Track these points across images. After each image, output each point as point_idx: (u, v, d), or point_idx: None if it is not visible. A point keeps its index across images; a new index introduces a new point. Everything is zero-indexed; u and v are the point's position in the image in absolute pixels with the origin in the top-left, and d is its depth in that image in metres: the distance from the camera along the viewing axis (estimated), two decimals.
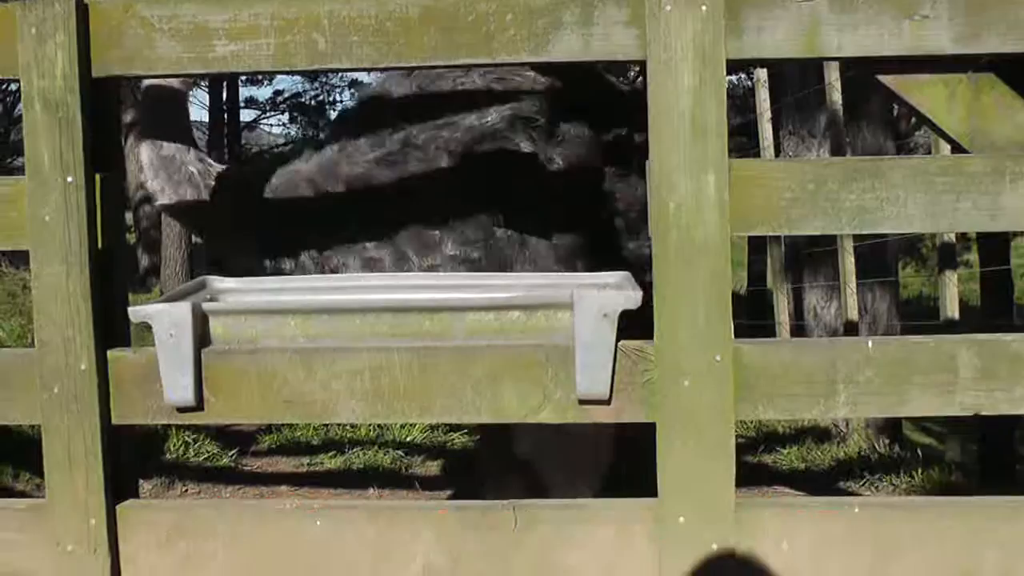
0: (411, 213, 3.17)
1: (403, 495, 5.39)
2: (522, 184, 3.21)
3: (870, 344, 2.18)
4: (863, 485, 5.52)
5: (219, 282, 2.54)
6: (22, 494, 5.07)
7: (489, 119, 3.22)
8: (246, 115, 27.83)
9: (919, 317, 8.40)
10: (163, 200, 3.19)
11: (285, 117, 29.40)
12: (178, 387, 2.21)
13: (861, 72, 2.35)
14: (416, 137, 3.21)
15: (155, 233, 18.06)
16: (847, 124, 7.13)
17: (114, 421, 2.28)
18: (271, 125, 30.06)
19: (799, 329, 7.86)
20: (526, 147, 3.22)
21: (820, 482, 5.62)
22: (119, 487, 2.32)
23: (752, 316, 11.69)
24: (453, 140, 3.20)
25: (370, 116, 3.39)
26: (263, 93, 29.65)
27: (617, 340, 2.14)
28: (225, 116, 24.40)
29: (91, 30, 2.22)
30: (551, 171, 3.26)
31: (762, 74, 7.69)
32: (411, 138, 3.22)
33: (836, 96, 6.79)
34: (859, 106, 7.26)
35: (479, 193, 3.18)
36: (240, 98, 26.15)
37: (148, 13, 2.22)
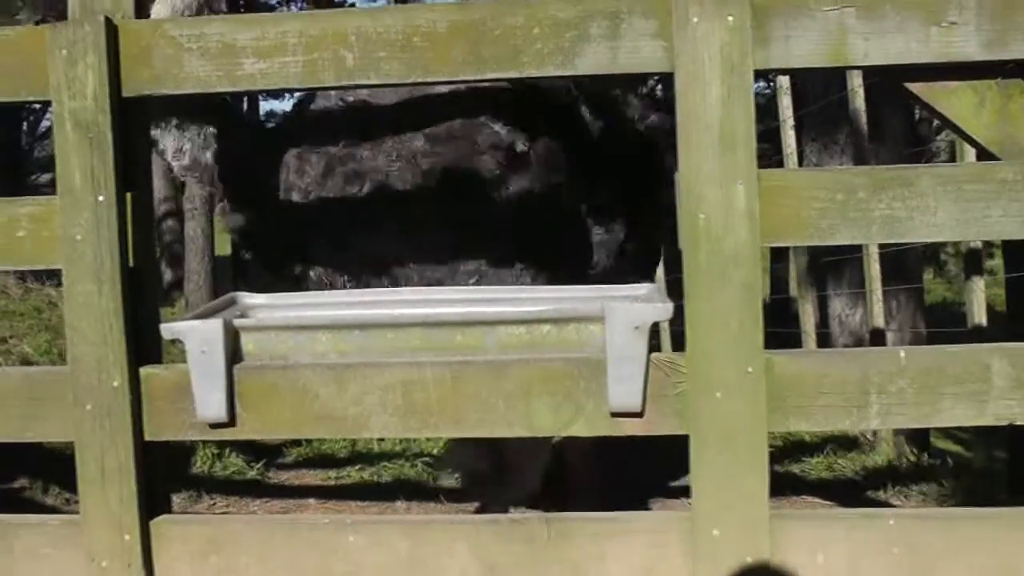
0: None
1: (430, 507, 5.38)
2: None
3: (902, 354, 2.17)
4: (892, 494, 5.48)
5: (249, 298, 2.55)
6: (52, 508, 5.09)
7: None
8: None
9: (944, 324, 8.34)
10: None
11: None
12: (210, 403, 2.22)
13: (888, 80, 2.33)
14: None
15: (178, 247, 18.14)
16: (868, 130, 7.10)
17: (147, 437, 2.29)
18: None
19: (824, 337, 7.82)
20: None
21: (849, 491, 5.59)
22: (152, 502, 2.33)
23: (775, 324, 11.64)
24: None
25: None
26: (283, 106, 29.76)
27: (648, 352, 2.14)
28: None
29: (120, 50, 2.24)
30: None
31: (784, 81, 7.66)
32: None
33: (859, 102, 6.76)
34: (880, 112, 7.23)
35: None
36: (261, 112, 26.27)
37: (176, 33, 2.23)
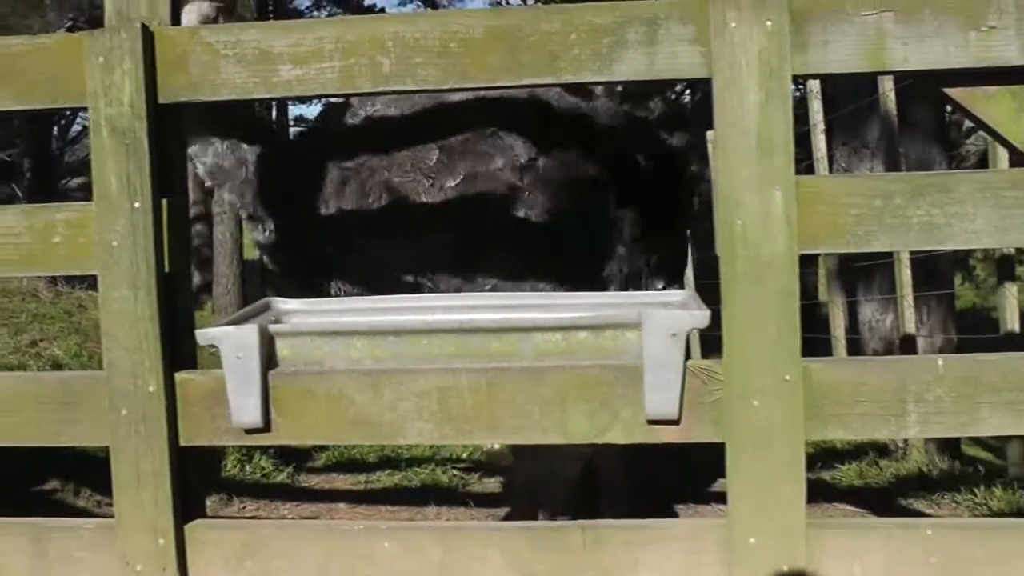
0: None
1: (461, 512, 5.38)
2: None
3: (940, 362, 2.15)
4: (925, 503, 5.45)
5: (283, 303, 2.56)
6: (84, 511, 5.12)
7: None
8: (296, 133, 28.09)
9: (974, 329, 8.27)
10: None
11: None
12: (246, 408, 2.22)
13: (927, 85, 2.32)
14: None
15: (207, 251, 18.23)
16: (899, 133, 7.06)
17: (182, 442, 2.30)
18: None
19: (853, 343, 7.78)
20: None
21: (881, 499, 5.55)
22: (187, 507, 2.34)
23: (804, 329, 11.58)
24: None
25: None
26: (312, 111, 29.90)
27: (685, 359, 2.13)
28: None
29: (157, 57, 2.25)
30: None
31: (815, 85, 7.62)
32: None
33: (890, 106, 6.72)
34: (911, 116, 7.19)
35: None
36: (290, 116, 26.42)
37: (213, 39, 2.24)
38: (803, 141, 8.32)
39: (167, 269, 2.29)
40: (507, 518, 4.48)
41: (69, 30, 2.34)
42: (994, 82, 2.18)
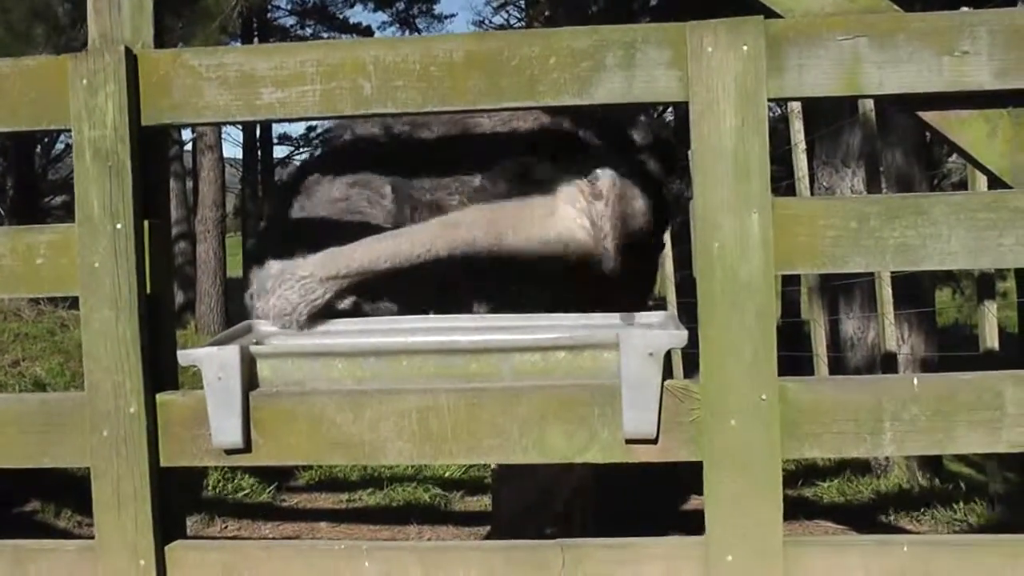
0: None
1: (443, 531, 5.38)
2: None
3: (916, 381, 2.18)
4: (905, 519, 5.48)
5: (265, 326, 2.57)
6: (64, 532, 5.10)
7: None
8: (280, 151, 28.13)
9: (956, 345, 8.32)
10: None
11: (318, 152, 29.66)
12: (226, 429, 2.23)
13: (902, 109, 2.35)
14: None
15: (190, 269, 18.22)
16: (881, 152, 7.11)
17: (163, 463, 2.30)
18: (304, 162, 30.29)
19: (836, 361, 7.81)
20: None
21: (862, 516, 5.58)
22: (168, 528, 2.34)
23: (788, 347, 11.62)
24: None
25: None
26: (296, 129, 29.94)
27: (663, 379, 2.15)
28: (259, 153, 24.62)
29: (140, 80, 2.27)
30: None
31: (796, 105, 7.68)
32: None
33: (871, 126, 6.77)
34: (892, 134, 7.24)
35: None
36: (273, 135, 26.40)
37: (196, 62, 2.26)
38: (785, 159, 8.38)
39: (149, 291, 2.30)
40: (491, 535, 4.48)
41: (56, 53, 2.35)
42: (968, 106, 2.21)
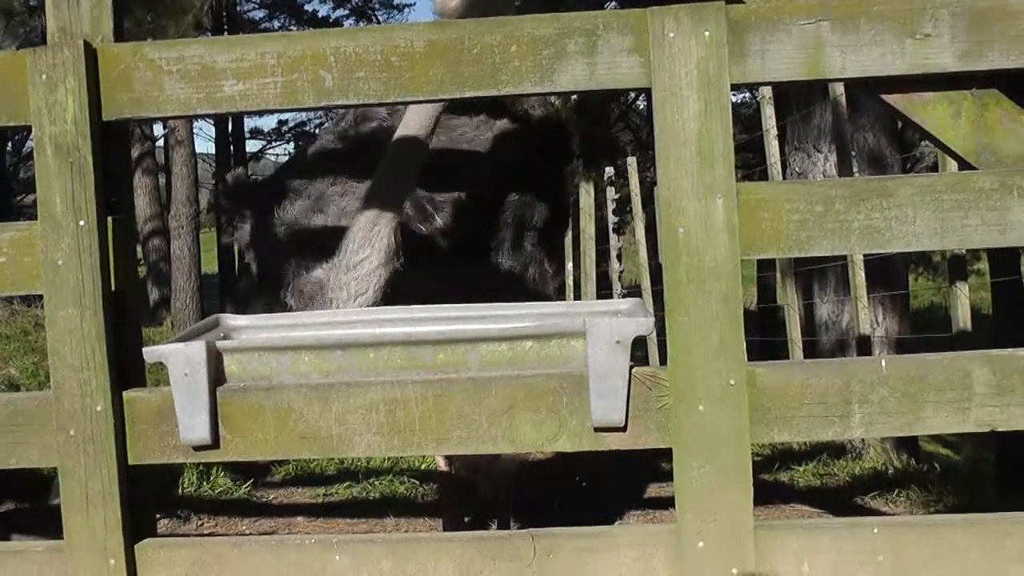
0: None
1: (419, 523, 5.38)
2: None
3: (884, 363, 2.18)
4: (881, 500, 5.50)
5: (233, 320, 2.55)
6: (39, 532, 5.06)
7: None
8: (252, 145, 28.01)
9: (930, 328, 8.37)
10: None
11: (291, 146, 29.57)
12: (194, 426, 2.21)
13: (866, 92, 2.35)
14: None
15: (164, 266, 18.13)
16: (852, 136, 7.14)
17: (131, 461, 2.29)
18: (276, 155, 30.23)
19: (811, 345, 7.84)
20: None
21: (837, 498, 5.60)
22: (137, 526, 2.32)
23: (764, 332, 11.68)
24: None
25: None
26: (267, 123, 29.91)
27: (630, 366, 2.14)
28: (231, 147, 24.52)
29: (100, 74, 2.24)
30: None
31: (767, 91, 7.69)
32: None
33: (841, 110, 6.79)
34: (864, 118, 7.27)
35: None
36: (245, 129, 26.29)
37: (156, 55, 2.24)
38: (758, 146, 8.40)
39: (114, 287, 2.28)
40: (467, 526, 4.48)
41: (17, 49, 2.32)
42: (932, 88, 2.22)
